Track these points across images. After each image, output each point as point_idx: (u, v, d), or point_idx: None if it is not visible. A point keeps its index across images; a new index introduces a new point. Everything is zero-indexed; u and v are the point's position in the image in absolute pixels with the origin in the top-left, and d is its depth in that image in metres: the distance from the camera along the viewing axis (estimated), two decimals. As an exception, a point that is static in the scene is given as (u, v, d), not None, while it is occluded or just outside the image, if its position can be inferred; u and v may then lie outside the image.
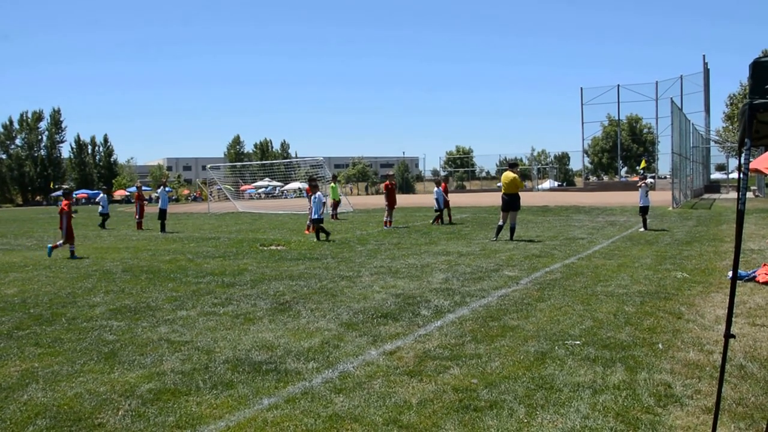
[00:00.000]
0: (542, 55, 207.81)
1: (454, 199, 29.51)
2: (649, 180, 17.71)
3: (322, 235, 15.23)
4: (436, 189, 20.44)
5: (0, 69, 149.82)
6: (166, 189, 21.87)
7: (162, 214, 20.17)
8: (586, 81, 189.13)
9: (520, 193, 14.07)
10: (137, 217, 21.83)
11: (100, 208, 23.85)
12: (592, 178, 71.72)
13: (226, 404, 4.14)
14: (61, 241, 13.16)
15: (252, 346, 5.52)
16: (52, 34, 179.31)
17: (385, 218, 19.32)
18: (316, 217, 15.40)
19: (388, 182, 20.52)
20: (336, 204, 24.50)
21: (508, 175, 14.02)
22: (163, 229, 19.83)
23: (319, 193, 15.79)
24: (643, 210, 15.95)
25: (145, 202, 25.46)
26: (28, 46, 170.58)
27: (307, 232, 17.41)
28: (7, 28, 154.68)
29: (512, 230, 14.08)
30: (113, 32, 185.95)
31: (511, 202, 13.89)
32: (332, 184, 24.80)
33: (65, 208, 13.19)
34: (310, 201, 16.74)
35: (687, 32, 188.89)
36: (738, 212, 3.08)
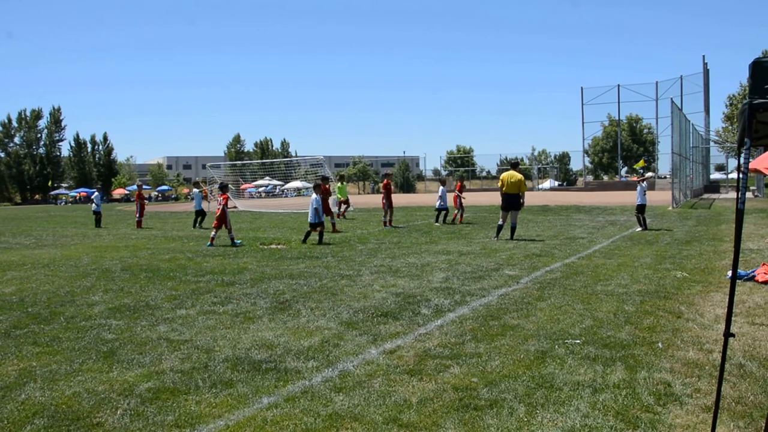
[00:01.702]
0: (542, 55, 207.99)
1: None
2: (649, 174, 17.68)
3: (311, 238, 14.49)
4: (441, 188, 20.52)
5: (0, 67, 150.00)
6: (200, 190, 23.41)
7: (198, 213, 21.50)
8: (586, 81, 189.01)
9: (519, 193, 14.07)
10: (137, 215, 21.89)
11: (93, 206, 23.77)
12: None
13: (226, 403, 4.13)
14: (213, 233, 14.26)
15: (252, 344, 5.52)
16: (52, 33, 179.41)
17: (384, 218, 19.30)
18: (313, 221, 14.18)
19: (386, 181, 20.43)
20: (341, 203, 24.50)
21: (515, 175, 13.96)
22: (195, 224, 21.28)
23: (318, 196, 14.62)
24: (640, 209, 15.92)
25: (146, 201, 25.49)
26: (29, 46, 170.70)
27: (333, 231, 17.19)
28: (8, 28, 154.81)
29: (513, 229, 14.09)
30: (113, 32, 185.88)
31: (512, 202, 13.90)
32: (338, 184, 24.81)
33: (224, 201, 14.32)
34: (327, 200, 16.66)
35: (687, 32, 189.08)
36: (737, 212, 3.08)
